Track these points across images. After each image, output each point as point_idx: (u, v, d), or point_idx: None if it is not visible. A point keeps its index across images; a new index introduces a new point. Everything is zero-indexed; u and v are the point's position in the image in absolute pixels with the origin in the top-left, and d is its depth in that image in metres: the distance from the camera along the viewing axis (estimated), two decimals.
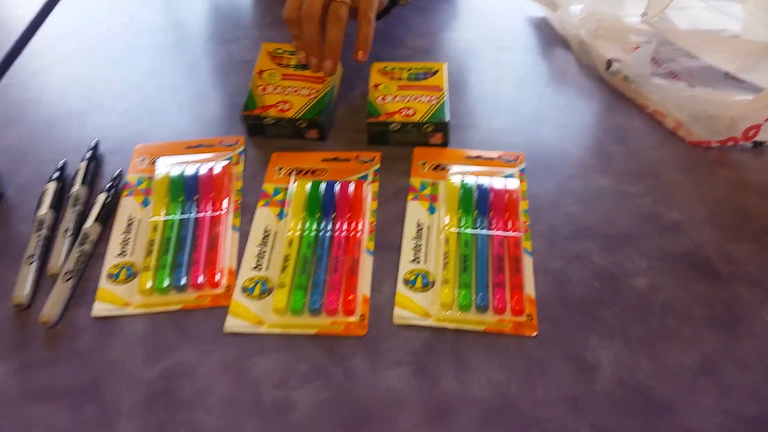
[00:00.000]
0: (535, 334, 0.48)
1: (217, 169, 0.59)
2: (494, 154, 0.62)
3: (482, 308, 0.49)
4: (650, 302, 0.50)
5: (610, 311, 0.50)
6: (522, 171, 0.61)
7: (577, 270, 0.52)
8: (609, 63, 0.70)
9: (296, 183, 0.58)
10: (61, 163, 0.61)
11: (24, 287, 0.51)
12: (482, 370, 0.46)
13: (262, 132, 0.64)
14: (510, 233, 0.54)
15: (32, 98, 0.71)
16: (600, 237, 0.55)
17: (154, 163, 0.61)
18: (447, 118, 0.62)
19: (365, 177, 0.60)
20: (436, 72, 0.67)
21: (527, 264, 0.53)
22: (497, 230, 0.54)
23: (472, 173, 0.59)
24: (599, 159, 0.62)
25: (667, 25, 0.66)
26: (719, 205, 0.57)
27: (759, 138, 0.61)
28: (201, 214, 0.56)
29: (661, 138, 0.64)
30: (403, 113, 0.62)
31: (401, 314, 0.50)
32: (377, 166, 0.61)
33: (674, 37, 0.66)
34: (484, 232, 0.54)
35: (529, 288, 0.51)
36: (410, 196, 0.59)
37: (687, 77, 0.69)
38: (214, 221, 0.55)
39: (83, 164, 0.60)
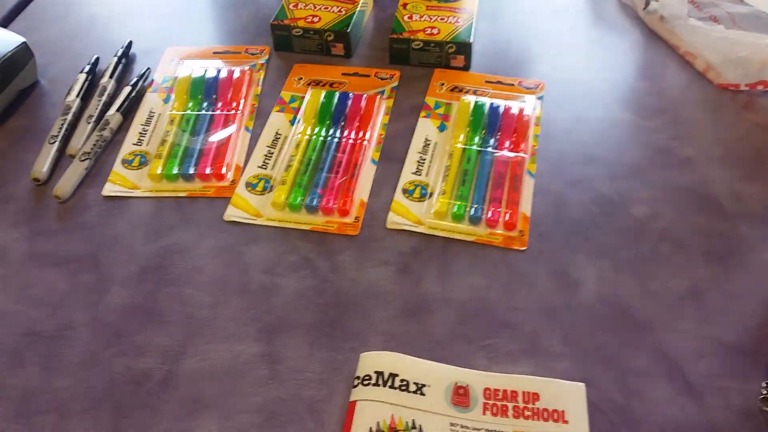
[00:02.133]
0: (524, 248, 0.48)
1: (237, 73, 0.60)
2: (514, 80, 0.62)
3: (475, 220, 0.49)
4: (647, 229, 0.49)
5: (603, 233, 0.49)
6: (540, 98, 0.60)
7: (578, 194, 0.52)
8: (647, 1, 0.68)
9: (311, 91, 0.59)
10: (94, 58, 0.64)
11: (43, 164, 0.54)
12: (465, 276, 0.47)
13: (290, 46, 0.65)
14: (515, 153, 0.54)
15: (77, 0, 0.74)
16: (608, 165, 0.54)
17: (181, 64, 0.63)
18: (470, 39, 0.61)
19: (382, 92, 0.60)
20: None
21: (528, 184, 0.52)
22: (503, 150, 0.54)
23: (489, 96, 0.59)
24: (621, 94, 0.61)
25: None
26: (737, 145, 0.55)
27: None
28: (216, 113, 0.57)
29: (690, 79, 0.62)
30: (427, 32, 0.62)
31: (395, 219, 0.50)
32: (395, 84, 0.62)
33: None
34: (489, 150, 0.54)
35: (526, 207, 0.51)
36: (423, 114, 0.59)
37: (727, 22, 0.66)
38: (228, 119, 0.57)
39: (114, 59, 0.63)
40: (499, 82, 0.62)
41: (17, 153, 0.57)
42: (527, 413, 0.40)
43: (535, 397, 0.41)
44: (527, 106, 0.57)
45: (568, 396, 0.40)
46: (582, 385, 0.40)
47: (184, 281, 0.47)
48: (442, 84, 0.61)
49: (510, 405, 0.40)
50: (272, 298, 0.46)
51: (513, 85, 0.61)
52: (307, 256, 0.48)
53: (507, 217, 0.49)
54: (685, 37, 0.64)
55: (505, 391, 0.41)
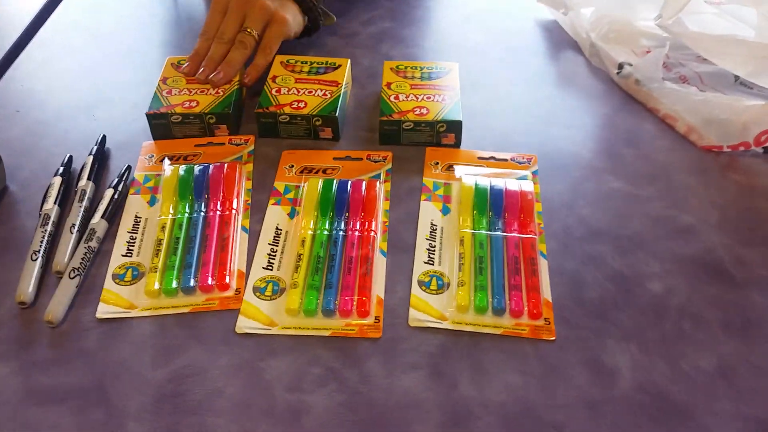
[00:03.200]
0: (552, 339, 0.47)
1: (227, 167, 0.57)
2: (507, 155, 0.62)
3: (499, 311, 0.48)
4: (665, 305, 0.50)
5: (625, 314, 0.49)
6: (535, 173, 0.60)
7: (591, 272, 0.52)
8: (620, 66, 0.70)
9: (308, 181, 0.57)
10: (66, 157, 0.60)
11: (28, 284, 0.50)
12: (500, 374, 0.45)
13: (275, 132, 0.63)
14: (525, 235, 0.53)
15: (39, 89, 0.70)
16: (613, 239, 0.54)
17: (162, 160, 0.60)
18: (460, 117, 0.61)
19: (377, 176, 0.59)
20: (449, 72, 0.66)
21: (542, 266, 0.52)
22: (512, 232, 0.53)
23: (486, 175, 0.59)
24: (611, 162, 0.62)
25: (680, 29, 0.66)
26: (730, 209, 0.57)
27: None
28: (211, 214, 0.54)
29: (673, 142, 0.64)
30: (416, 112, 0.62)
31: (417, 316, 0.49)
32: (389, 166, 0.61)
33: (688, 40, 0.66)
34: (499, 233, 0.53)
35: (545, 291, 0.50)
36: (423, 197, 0.58)
37: (697, 82, 0.69)
38: (224, 220, 0.54)
39: (90, 159, 0.59)
40: (492, 158, 0.62)
41: None
42: None
43: None
44: (527, 183, 0.57)
45: None
46: None
47: (205, 409, 0.43)
48: (437, 163, 0.61)
49: None
50: (303, 418, 0.43)
51: (506, 160, 0.61)
52: (332, 365, 0.46)
53: (531, 306, 0.48)
54: (663, 100, 0.66)
55: None
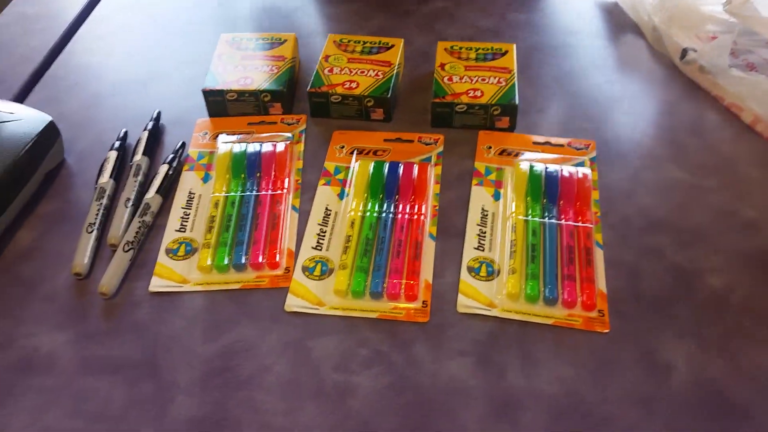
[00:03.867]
0: (606, 331, 0.46)
1: (280, 147, 0.57)
2: (563, 140, 0.60)
3: (551, 301, 0.47)
4: (726, 301, 0.48)
5: (683, 309, 0.47)
6: (593, 159, 0.58)
7: (650, 264, 0.50)
8: (684, 52, 0.67)
9: (359, 162, 0.57)
10: (122, 132, 0.61)
11: (84, 256, 0.51)
12: (550, 365, 0.44)
13: (327, 112, 0.63)
14: (581, 224, 0.52)
15: (96, 63, 0.71)
16: (674, 231, 0.52)
17: (215, 138, 0.61)
18: (516, 101, 0.59)
19: (428, 159, 0.58)
20: (505, 53, 0.64)
21: (598, 257, 0.50)
22: (567, 220, 0.52)
23: (542, 160, 0.57)
24: (673, 150, 0.59)
25: (751, 13, 0.63)
26: None
27: None
28: (262, 192, 0.55)
29: (738, 132, 0.61)
30: (470, 94, 0.60)
31: (465, 303, 0.48)
32: (440, 149, 0.60)
33: (759, 26, 0.63)
34: (554, 221, 0.52)
35: (600, 282, 0.49)
36: (474, 181, 0.57)
37: (766, 69, 0.65)
38: (275, 200, 0.54)
39: (145, 134, 0.60)
40: (547, 143, 0.60)
41: (52, 243, 0.53)
42: None
43: None
44: (584, 169, 0.56)
45: None
46: None
47: (254, 385, 0.44)
48: (489, 147, 0.60)
49: None
50: (349, 400, 0.43)
51: (563, 146, 0.60)
52: (379, 348, 0.46)
53: (585, 297, 0.47)
54: (729, 89, 0.63)
55: None
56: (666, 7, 0.70)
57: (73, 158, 0.61)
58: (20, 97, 0.67)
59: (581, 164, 0.57)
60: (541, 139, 0.60)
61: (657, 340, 0.45)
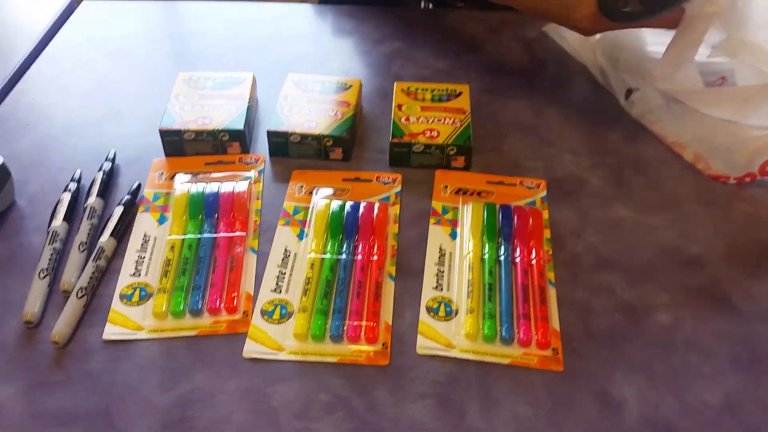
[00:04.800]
0: (560, 369, 0.47)
1: (240, 188, 0.58)
2: (515, 179, 0.62)
3: (507, 340, 0.48)
4: (672, 337, 0.50)
5: (633, 345, 0.49)
6: (543, 198, 0.60)
7: (601, 302, 0.52)
8: (628, 92, 0.70)
9: (320, 202, 0.57)
10: (77, 173, 0.60)
11: (35, 304, 0.50)
12: (508, 406, 0.45)
13: (285, 151, 0.63)
14: (534, 262, 0.53)
15: (49, 103, 0.70)
16: (622, 269, 0.54)
17: (172, 178, 0.60)
18: (470, 142, 0.61)
19: (386, 198, 0.59)
20: (459, 94, 0.66)
21: (551, 295, 0.52)
22: (522, 258, 0.53)
23: (494, 200, 0.59)
24: (620, 189, 0.62)
25: (671, 86, 0.65)
26: (737, 240, 0.57)
27: None
28: (221, 234, 0.54)
29: (681, 170, 0.64)
30: (427, 135, 0.62)
31: (425, 344, 0.49)
32: (398, 188, 0.61)
33: (680, 96, 0.65)
34: (509, 260, 0.53)
35: (554, 320, 0.50)
36: (432, 220, 0.58)
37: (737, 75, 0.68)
38: (234, 242, 0.54)
39: (99, 175, 0.59)
40: (501, 183, 0.61)
41: (1, 290, 0.52)
42: None
43: None
44: (535, 209, 0.57)
45: None
46: None
47: None
48: (446, 186, 0.61)
49: None
50: None
51: (515, 185, 0.61)
52: (340, 393, 0.46)
53: (539, 336, 0.48)
54: (670, 128, 0.66)
55: None
56: (610, 49, 0.73)
57: (24, 200, 0.59)
58: None
59: (533, 203, 0.59)
60: (494, 178, 0.62)
61: (609, 377, 0.47)
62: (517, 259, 0.53)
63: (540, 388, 0.46)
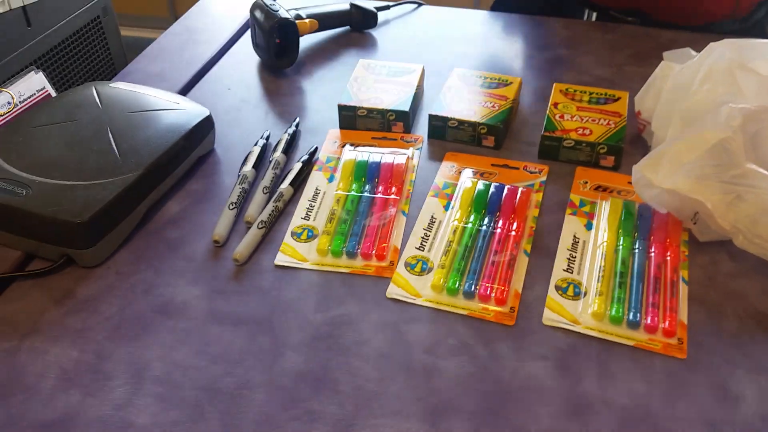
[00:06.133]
0: (683, 357, 0.49)
1: (398, 160, 0.65)
2: None
3: (634, 324, 0.51)
4: None
5: (761, 350, 0.49)
6: None
7: (733, 306, 0.52)
8: None
9: (469, 180, 0.63)
10: (266, 132, 0.70)
11: (224, 228, 0.59)
12: (625, 380, 0.48)
13: (443, 135, 0.69)
14: (669, 258, 0.55)
15: (248, 74, 0.82)
16: (761, 279, 0.54)
17: (343, 146, 0.69)
18: (623, 143, 0.64)
19: (531, 185, 0.63)
20: (618, 99, 0.69)
21: (682, 291, 0.53)
22: (657, 254, 0.55)
23: (635, 198, 0.61)
24: None
25: None
26: None
27: None
28: (378, 195, 0.62)
29: None
30: (579, 132, 0.65)
31: (550, 316, 0.52)
32: (543, 178, 0.65)
33: None
34: (643, 252, 0.55)
35: (683, 314, 0.52)
36: (569, 211, 0.61)
37: None
38: (388, 203, 0.61)
39: (285, 136, 0.69)
40: None
41: (196, 215, 0.62)
42: None
43: None
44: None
45: None
46: None
47: (353, 353, 0.50)
48: (585, 182, 0.64)
49: None
50: (435, 379, 0.48)
51: None
52: (466, 341, 0.51)
53: (666, 324, 0.50)
54: None
55: None
56: None
57: (221, 149, 0.71)
58: (183, 92, 0.79)
59: None
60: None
61: (731, 373, 0.48)
62: (652, 254, 0.55)
63: (659, 370, 0.48)
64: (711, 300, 0.53)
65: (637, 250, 0.56)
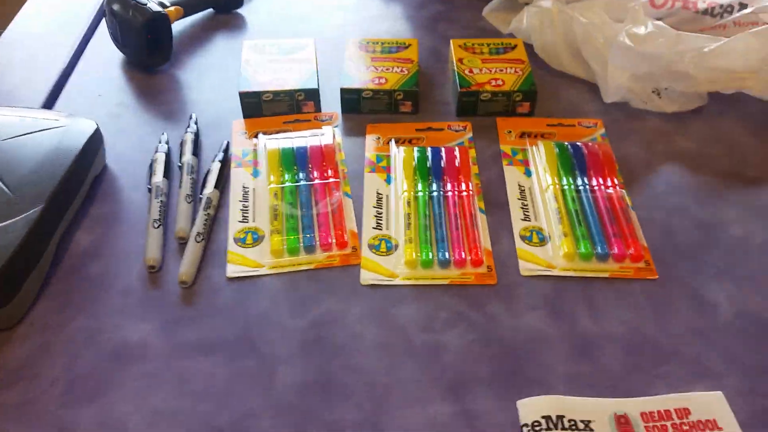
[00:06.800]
0: (655, 278, 0.51)
1: (326, 140, 0.61)
2: (573, 121, 0.66)
3: (603, 257, 0.52)
4: (748, 246, 0.54)
5: (714, 256, 0.53)
6: (603, 135, 0.64)
7: (678, 221, 0.56)
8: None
9: (402, 149, 0.60)
10: (164, 136, 0.63)
11: (155, 249, 0.52)
12: (613, 311, 0.49)
13: (357, 108, 0.66)
14: (612, 190, 0.57)
15: (116, 76, 0.72)
16: (691, 192, 0.59)
17: (254, 137, 0.63)
18: (535, 87, 0.65)
19: (461, 144, 0.63)
20: (515, 47, 0.70)
21: (633, 217, 0.56)
22: (599, 187, 0.57)
23: (560, 138, 0.63)
24: (677, 126, 0.66)
25: None
26: None
27: None
28: (316, 182, 0.58)
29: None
30: (492, 83, 0.65)
31: (527, 266, 0.52)
32: (470, 135, 0.64)
33: None
34: (587, 188, 0.57)
35: (641, 238, 0.54)
36: (504, 162, 0.62)
37: None
38: (330, 187, 0.57)
39: (189, 136, 0.62)
40: (560, 125, 0.66)
41: (114, 241, 0.54)
42: (685, 428, 0.43)
43: (687, 412, 0.44)
44: (601, 143, 0.62)
45: (713, 405, 0.44)
46: (719, 393, 0.44)
47: (351, 349, 0.47)
48: (509, 131, 0.65)
49: (668, 424, 0.43)
50: (442, 355, 0.46)
51: (574, 126, 0.65)
52: (458, 309, 0.49)
53: (632, 250, 0.52)
54: None
55: (659, 411, 0.44)
56: None
57: (112, 163, 0.62)
58: (48, 104, 0.68)
59: (594, 140, 0.63)
60: (553, 121, 0.66)
61: (699, 283, 0.51)
62: (596, 188, 0.57)
63: (640, 295, 0.50)
64: (658, 220, 0.56)
65: (582, 187, 0.58)
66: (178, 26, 0.79)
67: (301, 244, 0.53)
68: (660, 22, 0.65)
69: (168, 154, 0.61)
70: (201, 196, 0.56)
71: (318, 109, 0.67)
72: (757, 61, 0.62)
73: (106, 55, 0.75)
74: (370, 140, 0.64)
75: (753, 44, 0.61)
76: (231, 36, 0.79)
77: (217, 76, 0.72)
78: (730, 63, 0.62)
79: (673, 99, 0.66)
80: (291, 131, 0.64)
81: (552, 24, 0.70)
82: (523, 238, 0.55)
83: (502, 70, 0.67)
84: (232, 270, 0.52)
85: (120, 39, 0.72)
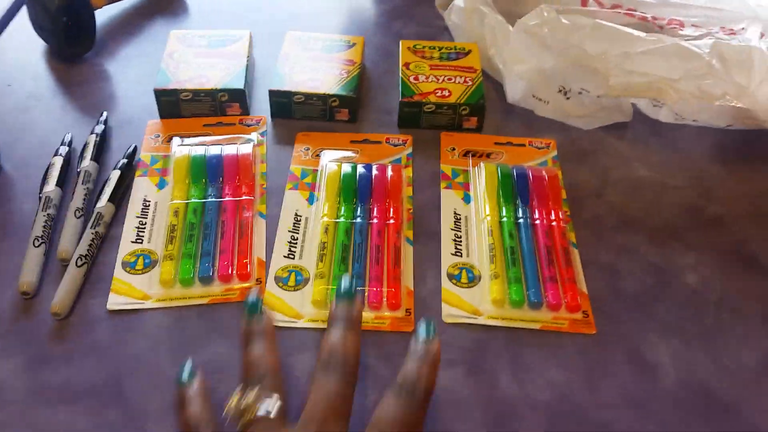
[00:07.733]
0: (593, 332, 0.45)
1: (244, 150, 0.54)
2: (524, 140, 0.59)
3: (536, 305, 0.46)
4: (703, 298, 0.48)
5: (664, 307, 0.47)
6: (555, 158, 0.58)
7: (626, 263, 0.50)
8: None
9: (330, 165, 0.54)
10: (67, 136, 0.56)
11: (32, 273, 0.46)
12: (540, 371, 0.43)
13: (289, 113, 0.60)
14: (555, 223, 0.51)
15: (32, 62, 0.66)
16: (645, 229, 0.53)
17: (169, 141, 0.57)
18: (484, 101, 0.58)
19: (398, 161, 0.57)
20: (469, 52, 0.63)
21: (575, 257, 0.50)
22: (541, 220, 0.51)
23: (506, 161, 0.57)
24: (637, 150, 0.60)
25: None
26: (761, 199, 0.56)
27: None
28: (226, 198, 0.51)
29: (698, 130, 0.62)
30: (438, 94, 0.59)
31: (450, 312, 0.46)
32: (409, 150, 0.58)
33: None
34: (528, 221, 0.51)
35: (581, 282, 0.48)
36: (443, 184, 0.55)
37: None
38: (241, 206, 0.51)
39: (92, 138, 0.55)
40: (509, 143, 0.59)
41: None
42: None
43: None
44: (549, 168, 0.55)
45: None
46: None
47: None
48: (453, 149, 0.58)
49: None
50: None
51: (524, 145, 0.59)
52: (364, 361, 0.43)
53: (569, 299, 0.46)
54: None
55: None
56: None
57: (9, 164, 0.55)
58: None
59: (545, 164, 0.57)
60: (502, 139, 0.59)
61: (643, 339, 0.45)
62: (537, 221, 0.51)
63: (573, 352, 0.44)
64: (604, 261, 0.50)
65: (522, 220, 0.51)
66: (109, 11, 0.72)
67: (196, 274, 0.47)
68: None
69: (69, 159, 0.55)
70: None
71: (245, 111, 0.60)
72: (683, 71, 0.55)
73: (24, 40, 0.68)
74: (299, 151, 0.57)
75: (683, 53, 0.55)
76: (168, 23, 0.72)
77: (143, 68, 0.65)
78: (652, 68, 0.55)
79: (583, 104, 0.59)
80: (212, 135, 0.58)
81: (468, 20, 0.64)
82: (450, 276, 0.49)
83: (450, 79, 0.60)
84: (114, 301, 0.46)
85: (38, 22, 0.65)
